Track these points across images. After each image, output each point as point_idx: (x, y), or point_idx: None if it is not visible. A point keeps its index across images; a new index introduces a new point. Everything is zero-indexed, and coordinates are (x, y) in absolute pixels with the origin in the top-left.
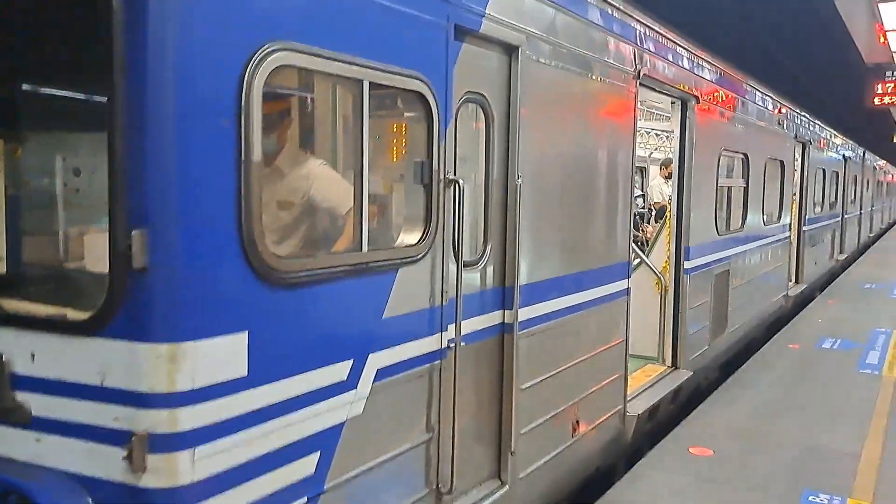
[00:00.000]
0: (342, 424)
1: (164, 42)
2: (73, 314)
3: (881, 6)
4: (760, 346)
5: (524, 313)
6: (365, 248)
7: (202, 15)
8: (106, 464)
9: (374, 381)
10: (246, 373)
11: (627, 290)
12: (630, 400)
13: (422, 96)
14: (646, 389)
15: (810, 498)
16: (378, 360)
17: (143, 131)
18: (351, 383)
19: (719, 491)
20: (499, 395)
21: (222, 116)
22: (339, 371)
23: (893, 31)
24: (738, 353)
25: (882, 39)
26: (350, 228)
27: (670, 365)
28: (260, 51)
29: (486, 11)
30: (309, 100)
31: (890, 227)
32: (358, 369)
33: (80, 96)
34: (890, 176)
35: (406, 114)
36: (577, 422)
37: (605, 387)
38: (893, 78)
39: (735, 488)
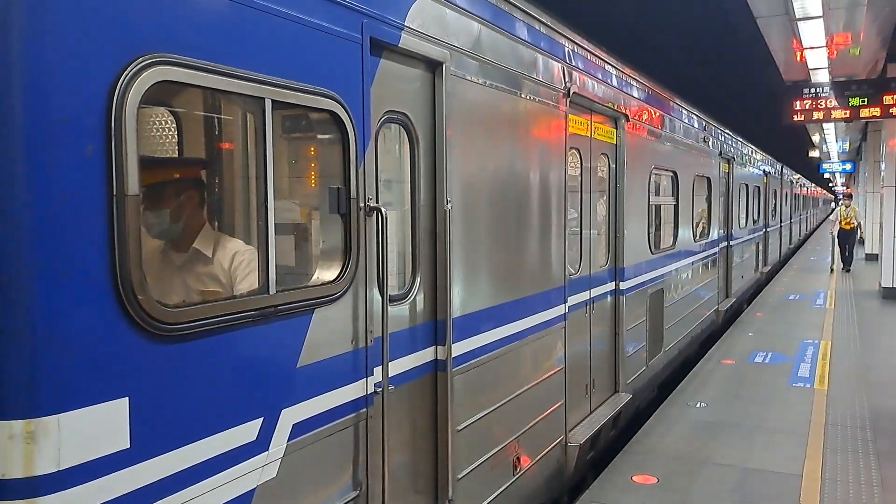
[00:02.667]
0: (252, 493)
1: (7, 50)
2: None
3: (800, 24)
4: (695, 363)
5: (458, 348)
6: (273, 289)
7: (59, 18)
8: None
9: (289, 439)
10: (128, 445)
11: (565, 316)
12: (571, 429)
13: (336, 116)
14: (586, 417)
15: None
16: (293, 414)
17: None
18: (262, 444)
19: None
20: (433, 439)
21: (87, 142)
22: (246, 432)
23: (811, 48)
24: (674, 371)
25: (799, 57)
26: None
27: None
28: (133, 64)
29: (406, 24)
30: (198, 121)
31: (807, 237)
32: (269, 428)
33: None
34: (805, 189)
35: (319, 136)
36: (518, 458)
37: (546, 418)
38: (810, 95)
39: None
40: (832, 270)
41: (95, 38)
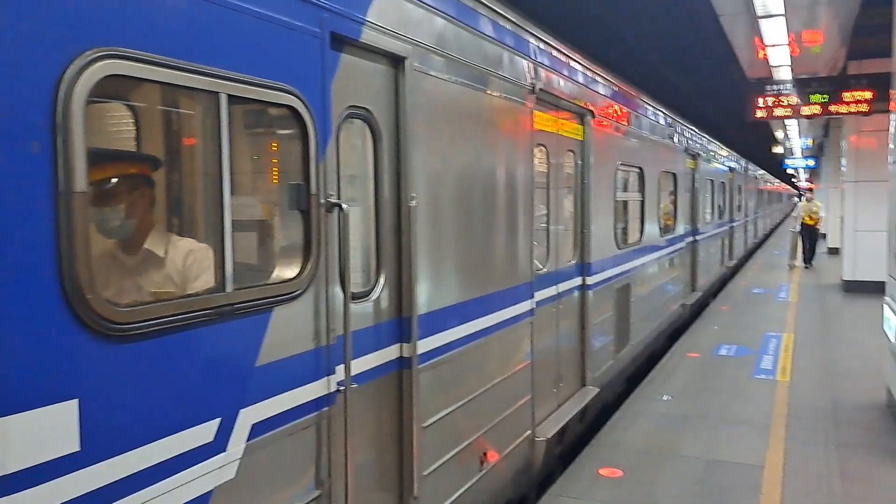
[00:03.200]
0: (210, 494)
1: None
2: None
3: (761, 22)
4: (662, 356)
5: (424, 345)
6: (230, 287)
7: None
8: None
9: (248, 439)
10: (78, 447)
11: (532, 311)
12: (538, 424)
13: (295, 112)
14: (553, 411)
15: None
16: (252, 414)
17: None
18: (219, 445)
19: None
20: (398, 437)
21: (32, 138)
22: (202, 433)
23: (773, 46)
24: (641, 364)
25: (762, 54)
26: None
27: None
28: (81, 57)
29: (367, 19)
30: (151, 116)
31: (772, 232)
32: (227, 428)
33: None
34: (769, 185)
35: (278, 132)
36: (485, 453)
37: (513, 413)
38: (773, 92)
39: None
40: (791, 268)
41: (40, 31)
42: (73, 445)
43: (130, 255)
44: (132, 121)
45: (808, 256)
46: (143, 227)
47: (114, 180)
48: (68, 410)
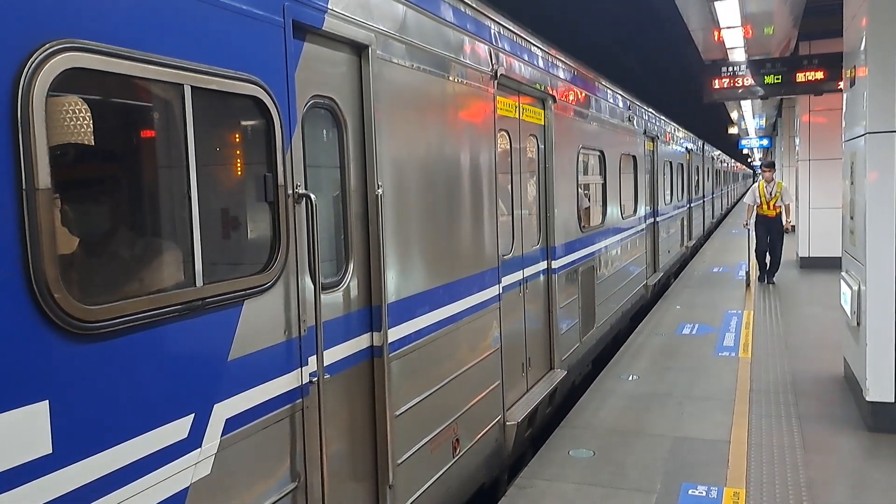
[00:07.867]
0: (186, 491)
1: None
2: None
3: (716, 5)
4: (626, 337)
5: (394, 333)
6: (199, 282)
7: None
8: None
9: (222, 434)
10: (50, 450)
11: (499, 296)
12: (509, 408)
13: (260, 102)
14: (523, 395)
15: (690, 492)
16: (226, 409)
17: None
18: (194, 441)
19: (605, 495)
20: (372, 426)
21: None
22: (176, 430)
23: (727, 28)
24: (606, 345)
25: (717, 37)
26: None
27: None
28: (40, 51)
29: (329, 7)
30: (115, 110)
31: (729, 211)
32: (202, 424)
33: None
34: (725, 165)
35: (243, 123)
36: (457, 439)
37: (484, 398)
38: (728, 73)
39: (618, 490)
40: (748, 286)
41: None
42: (45, 448)
43: (100, 249)
44: (96, 115)
45: (771, 268)
46: (113, 220)
47: (80, 176)
48: (39, 412)
